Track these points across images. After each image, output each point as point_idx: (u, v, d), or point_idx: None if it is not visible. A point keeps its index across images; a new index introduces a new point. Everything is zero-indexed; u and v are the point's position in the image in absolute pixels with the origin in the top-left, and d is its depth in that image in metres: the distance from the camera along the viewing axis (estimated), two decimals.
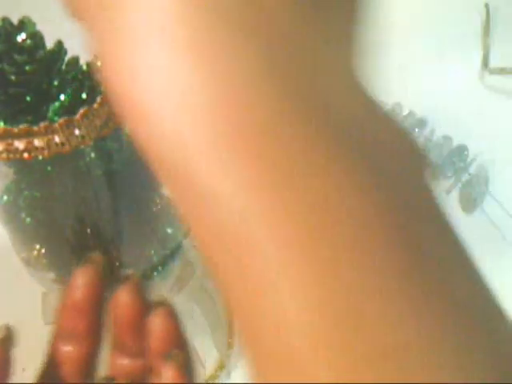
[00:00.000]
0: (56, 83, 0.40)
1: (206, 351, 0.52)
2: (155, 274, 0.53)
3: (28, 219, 0.48)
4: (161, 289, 0.53)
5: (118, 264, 0.51)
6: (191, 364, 0.32)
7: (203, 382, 0.49)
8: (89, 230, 0.48)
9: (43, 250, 0.50)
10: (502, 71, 0.63)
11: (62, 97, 0.40)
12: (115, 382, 0.32)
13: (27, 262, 0.51)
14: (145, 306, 0.31)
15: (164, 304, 0.31)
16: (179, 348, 0.31)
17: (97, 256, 0.32)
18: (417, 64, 0.64)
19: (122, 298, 0.31)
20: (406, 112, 0.60)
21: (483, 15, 0.66)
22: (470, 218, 0.56)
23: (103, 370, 0.33)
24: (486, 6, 0.66)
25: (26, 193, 0.46)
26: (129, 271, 0.31)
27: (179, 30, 0.16)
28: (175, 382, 0.30)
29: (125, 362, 0.32)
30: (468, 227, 0.55)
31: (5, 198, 0.47)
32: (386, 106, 0.60)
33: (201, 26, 0.16)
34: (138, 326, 0.31)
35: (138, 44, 0.17)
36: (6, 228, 0.50)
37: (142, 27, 0.17)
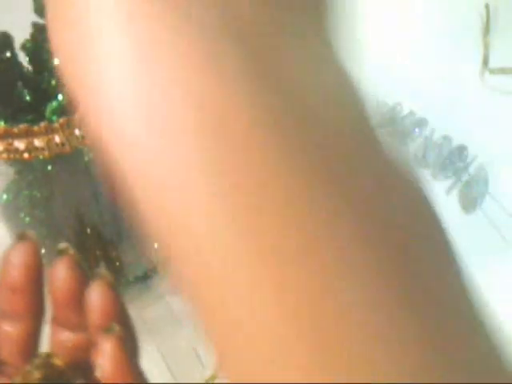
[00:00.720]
0: (54, 83, 0.40)
1: (205, 351, 0.52)
2: (155, 273, 0.53)
3: (28, 219, 0.48)
4: (161, 289, 0.53)
5: (118, 264, 0.51)
6: (133, 338, 0.31)
7: (203, 381, 0.49)
8: (89, 230, 0.48)
9: (43, 250, 0.50)
10: (502, 71, 0.63)
11: (60, 96, 0.40)
12: (54, 358, 0.31)
13: None
14: (83, 279, 0.30)
15: (102, 276, 0.30)
16: (118, 321, 0.30)
17: (31, 233, 0.31)
18: (417, 64, 0.64)
19: (59, 272, 0.30)
20: (406, 112, 0.60)
21: (483, 15, 0.66)
22: (470, 217, 0.56)
23: (46, 348, 0.32)
24: (487, 6, 0.66)
25: (25, 192, 0.46)
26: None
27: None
28: (113, 355, 0.29)
29: (66, 336, 0.31)
30: (468, 227, 0.55)
31: (5, 197, 0.47)
32: (385, 106, 0.59)
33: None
34: (77, 299, 0.30)
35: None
36: (6, 227, 0.50)
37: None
